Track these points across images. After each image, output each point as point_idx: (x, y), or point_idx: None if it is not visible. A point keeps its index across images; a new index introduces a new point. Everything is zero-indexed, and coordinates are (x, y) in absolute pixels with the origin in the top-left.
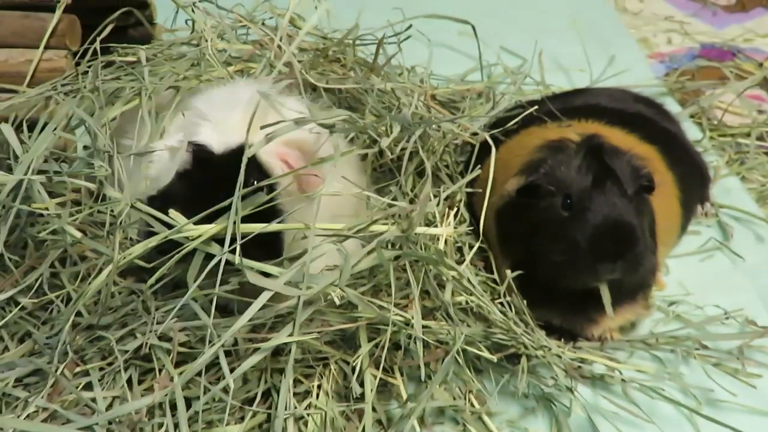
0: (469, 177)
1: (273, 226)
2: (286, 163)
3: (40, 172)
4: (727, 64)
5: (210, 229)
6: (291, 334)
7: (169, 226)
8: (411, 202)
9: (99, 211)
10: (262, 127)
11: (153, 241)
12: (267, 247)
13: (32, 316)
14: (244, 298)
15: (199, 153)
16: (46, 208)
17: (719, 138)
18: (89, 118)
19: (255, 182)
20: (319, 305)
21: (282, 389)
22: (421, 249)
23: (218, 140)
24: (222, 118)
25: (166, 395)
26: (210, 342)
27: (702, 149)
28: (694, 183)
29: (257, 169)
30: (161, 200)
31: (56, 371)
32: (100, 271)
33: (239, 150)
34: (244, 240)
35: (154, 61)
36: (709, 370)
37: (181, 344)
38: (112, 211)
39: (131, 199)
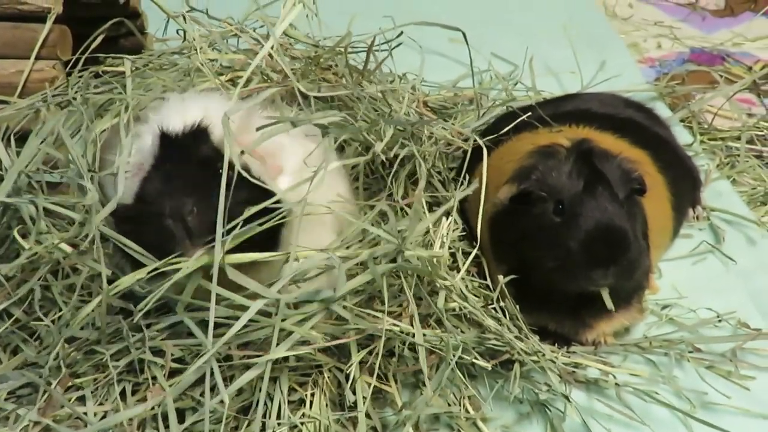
0: (467, 190)
1: (258, 255)
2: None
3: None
4: (716, 68)
5: (199, 259)
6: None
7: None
8: (402, 209)
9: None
10: (258, 129)
11: (143, 273)
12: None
13: (25, 328)
14: (235, 312)
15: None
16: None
17: (710, 141)
18: (69, 139)
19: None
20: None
21: (260, 403)
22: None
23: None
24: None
25: (159, 405)
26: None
27: (693, 153)
28: (685, 186)
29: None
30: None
31: (48, 385)
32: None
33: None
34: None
35: (142, 72)
36: (702, 372)
37: (175, 360)
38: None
39: (99, 223)
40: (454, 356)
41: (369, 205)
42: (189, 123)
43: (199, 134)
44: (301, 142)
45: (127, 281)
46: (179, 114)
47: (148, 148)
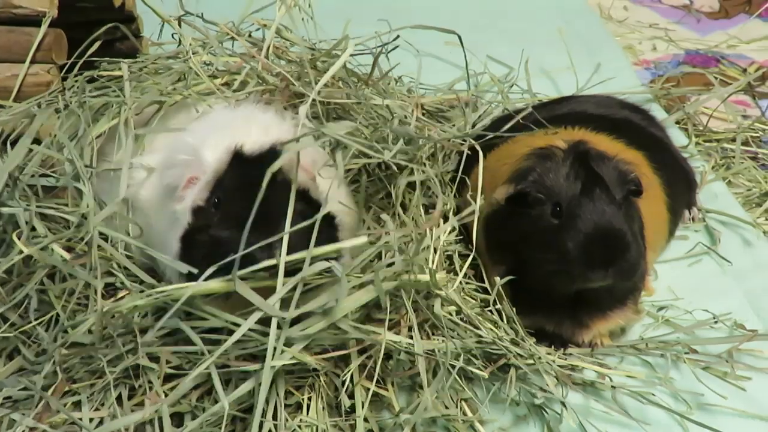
0: (466, 212)
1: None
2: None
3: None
4: (711, 71)
5: (206, 287)
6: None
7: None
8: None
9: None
10: (282, 144)
11: (138, 299)
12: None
13: (22, 332)
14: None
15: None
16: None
17: (705, 143)
18: (66, 140)
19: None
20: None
21: (257, 411)
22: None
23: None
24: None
25: (156, 411)
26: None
27: (688, 155)
28: (681, 188)
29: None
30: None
31: (45, 390)
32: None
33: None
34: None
35: (138, 76)
36: (698, 374)
37: (173, 367)
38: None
39: (97, 223)
40: (453, 366)
41: (366, 208)
42: (261, 144)
43: (273, 158)
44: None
45: (127, 302)
46: (241, 131)
47: (207, 162)
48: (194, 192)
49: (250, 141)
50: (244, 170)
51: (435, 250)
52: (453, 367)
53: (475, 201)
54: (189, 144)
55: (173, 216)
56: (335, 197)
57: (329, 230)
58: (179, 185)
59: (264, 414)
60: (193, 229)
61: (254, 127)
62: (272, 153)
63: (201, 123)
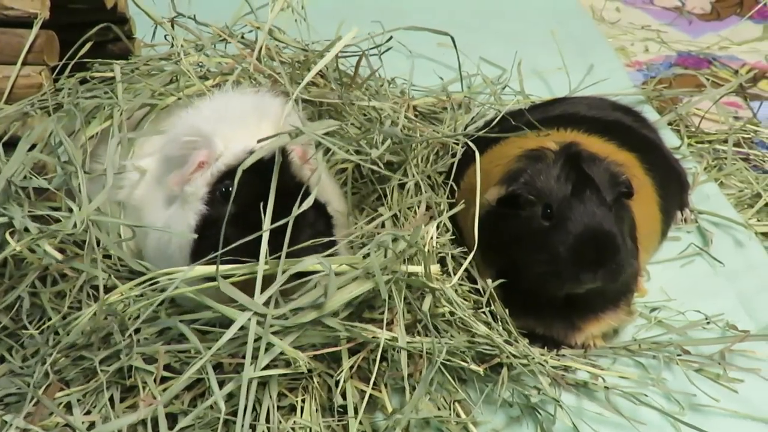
0: (457, 209)
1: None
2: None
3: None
4: (703, 72)
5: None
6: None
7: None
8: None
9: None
10: (259, 141)
11: (136, 290)
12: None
13: (13, 334)
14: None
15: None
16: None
17: (697, 145)
18: (65, 137)
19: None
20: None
21: (247, 410)
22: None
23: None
24: (235, 129)
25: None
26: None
27: (680, 156)
28: (673, 189)
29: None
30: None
31: (38, 391)
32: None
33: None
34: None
35: (130, 78)
36: (691, 375)
37: (165, 367)
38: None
39: (89, 214)
40: (445, 364)
41: (359, 209)
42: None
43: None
44: None
45: (123, 289)
46: (253, 125)
47: (218, 150)
48: (205, 178)
49: (260, 137)
50: (259, 172)
51: (429, 241)
52: (444, 365)
53: (468, 200)
54: (198, 127)
55: (172, 194)
56: (324, 187)
57: (327, 220)
58: (181, 159)
59: (257, 417)
60: (209, 220)
61: (266, 123)
62: (283, 155)
63: (211, 105)
